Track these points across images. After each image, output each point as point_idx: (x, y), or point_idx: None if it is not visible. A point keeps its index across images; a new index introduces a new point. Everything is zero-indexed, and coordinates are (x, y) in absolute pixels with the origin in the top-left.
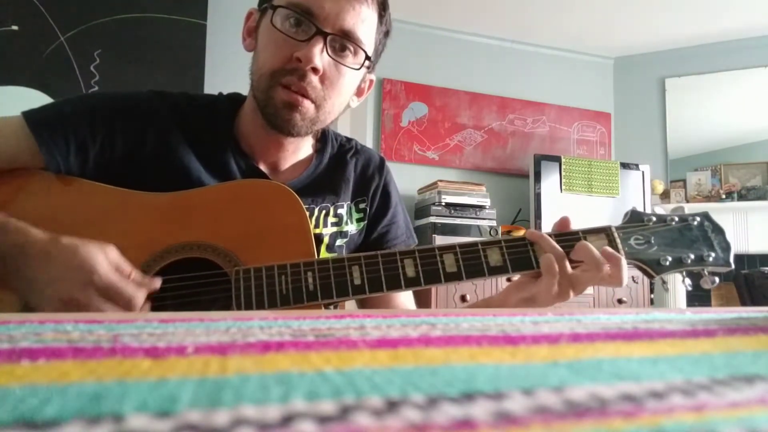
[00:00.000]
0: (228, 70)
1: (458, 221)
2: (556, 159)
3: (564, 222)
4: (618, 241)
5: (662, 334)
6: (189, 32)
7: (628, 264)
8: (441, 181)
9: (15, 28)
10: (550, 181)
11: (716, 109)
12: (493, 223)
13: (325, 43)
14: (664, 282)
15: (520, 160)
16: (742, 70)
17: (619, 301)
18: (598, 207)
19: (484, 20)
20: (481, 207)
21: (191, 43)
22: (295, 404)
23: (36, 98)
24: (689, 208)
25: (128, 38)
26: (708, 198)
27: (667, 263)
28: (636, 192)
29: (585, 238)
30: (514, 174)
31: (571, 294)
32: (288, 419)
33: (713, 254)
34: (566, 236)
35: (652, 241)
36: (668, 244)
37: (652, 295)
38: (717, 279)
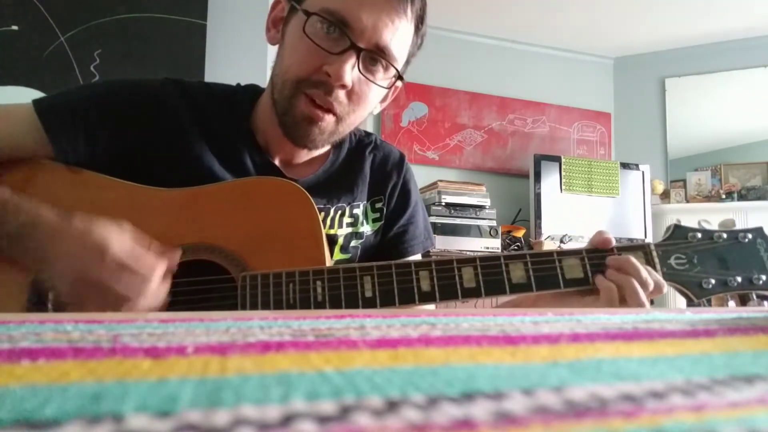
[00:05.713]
0: (228, 70)
1: (458, 221)
2: (556, 159)
3: (605, 241)
4: (656, 260)
5: (662, 334)
6: (189, 32)
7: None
8: (441, 181)
9: (15, 28)
10: (550, 181)
11: (716, 109)
12: (493, 223)
13: (357, 59)
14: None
15: (520, 160)
16: (742, 70)
17: None
18: (598, 207)
19: (484, 20)
20: (481, 207)
21: (191, 43)
22: (295, 404)
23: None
24: (690, 208)
25: (128, 38)
26: (708, 198)
27: (710, 286)
28: (636, 192)
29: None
30: (514, 174)
31: None
32: (288, 419)
33: (764, 276)
34: (600, 253)
35: (695, 261)
36: (713, 263)
37: None
38: (766, 303)
